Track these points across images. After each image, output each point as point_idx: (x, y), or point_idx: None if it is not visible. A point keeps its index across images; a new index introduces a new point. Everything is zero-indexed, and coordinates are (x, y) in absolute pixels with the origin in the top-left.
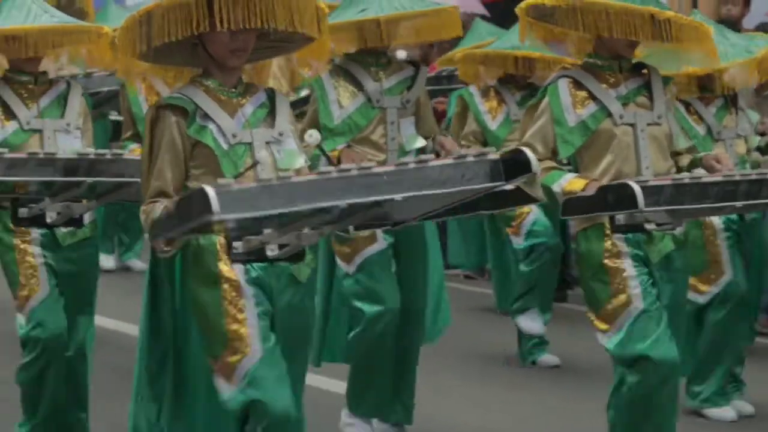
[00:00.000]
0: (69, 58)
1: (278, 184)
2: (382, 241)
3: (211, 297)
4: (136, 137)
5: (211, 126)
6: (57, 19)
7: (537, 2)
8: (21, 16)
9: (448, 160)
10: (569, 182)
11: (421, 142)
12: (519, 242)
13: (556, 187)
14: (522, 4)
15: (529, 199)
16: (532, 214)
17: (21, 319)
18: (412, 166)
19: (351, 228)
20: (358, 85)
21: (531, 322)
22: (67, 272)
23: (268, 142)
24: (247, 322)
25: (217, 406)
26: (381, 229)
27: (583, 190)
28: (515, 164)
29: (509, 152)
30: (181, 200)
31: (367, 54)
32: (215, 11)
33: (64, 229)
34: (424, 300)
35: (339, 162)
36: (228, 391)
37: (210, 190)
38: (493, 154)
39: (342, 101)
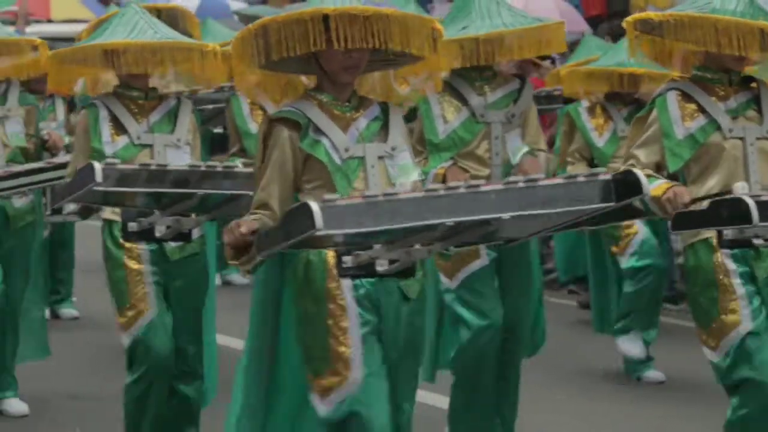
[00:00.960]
0: (175, 74)
1: (384, 201)
2: (485, 257)
3: (317, 315)
4: (242, 152)
5: (324, 140)
6: (160, 35)
7: (644, 17)
8: (126, 31)
9: (559, 180)
10: (654, 188)
11: None
12: (625, 262)
13: None
14: (629, 19)
15: (628, 216)
16: (641, 233)
17: (126, 339)
18: (521, 185)
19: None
20: (463, 100)
21: (631, 345)
22: (175, 287)
23: (380, 157)
24: (351, 344)
25: (309, 420)
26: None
27: (663, 194)
28: (626, 185)
29: (620, 173)
30: (286, 215)
31: (471, 68)
32: (332, 29)
33: (173, 244)
34: (527, 315)
35: (444, 179)
36: (323, 410)
37: (314, 206)
38: (604, 175)
39: (447, 116)
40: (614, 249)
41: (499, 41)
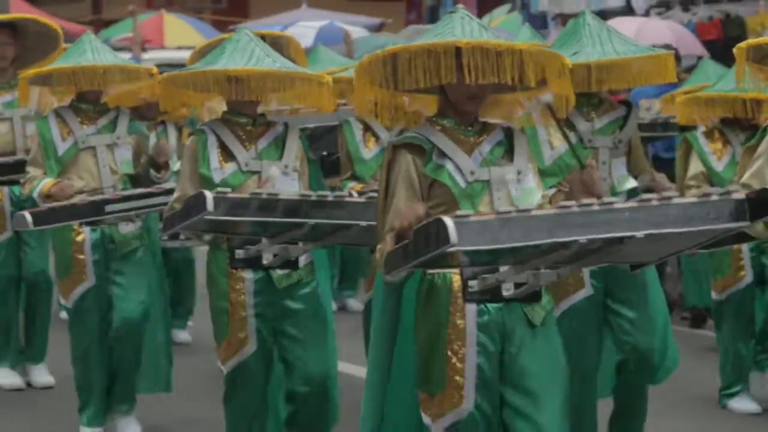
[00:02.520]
0: (279, 100)
1: (517, 217)
2: (589, 286)
3: (436, 339)
4: (354, 178)
5: (448, 164)
6: (279, 63)
7: (758, 43)
8: (244, 59)
9: (692, 198)
10: None
11: (632, 183)
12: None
13: None
14: (742, 45)
15: (738, 240)
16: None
17: (225, 369)
18: (655, 202)
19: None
20: (570, 125)
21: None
22: (283, 316)
23: (505, 180)
24: (466, 373)
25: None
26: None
27: None
28: (760, 204)
29: (754, 192)
30: (418, 230)
31: (579, 94)
32: (464, 64)
33: (279, 272)
34: (650, 341)
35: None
36: (433, 429)
37: (448, 221)
38: (738, 193)
39: (553, 142)
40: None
41: (609, 69)
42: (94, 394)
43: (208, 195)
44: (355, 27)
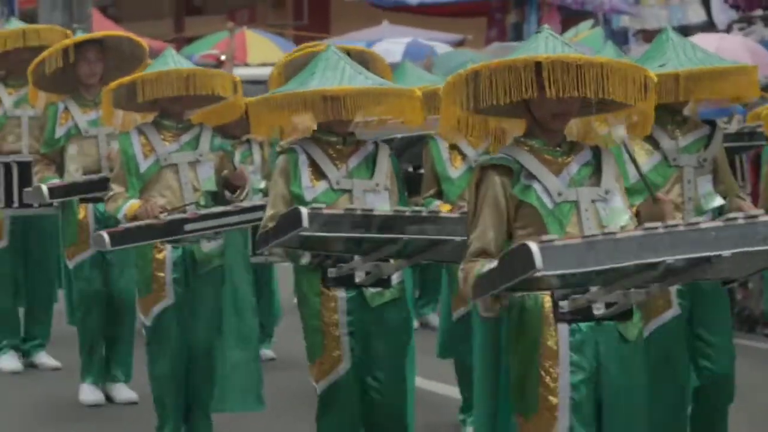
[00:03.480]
0: (367, 113)
1: (603, 240)
2: (676, 307)
3: (529, 360)
4: (439, 195)
5: (536, 185)
6: (371, 80)
7: None
8: (336, 77)
9: None
10: None
11: (718, 201)
12: None
13: None
14: None
15: None
16: None
17: (318, 388)
18: (741, 221)
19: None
20: (654, 143)
21: None
22: (375, 334)
23: (593, 201)
24: (560, 393)
25: None
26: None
27: None
28: None
29: None
30: (504, 256)
31: (663, 110)
32: (544, 78)
33: (372, 290)
34: (730, 363)
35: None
36: None
37: (533, 246)
38: None
39: (638, 159)
40: None
41: (698, 78)
42: (172, 413)
43: (304, 211)
44: (437, 43)
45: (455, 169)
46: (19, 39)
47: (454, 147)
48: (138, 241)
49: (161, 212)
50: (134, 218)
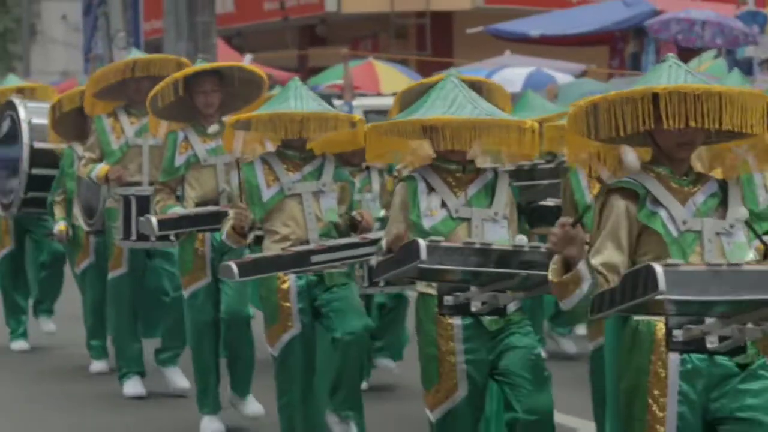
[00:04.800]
0: (483, 148)
1: (728, 270)
2: None
3: (637, 386)
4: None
5: (662, 212)
6: (479, 110)
7: None
8: (444, 107)
9: None
10: None
11: None
12: None
13: None
14: None
15: None
16: None
17: (432, 416)
18: None
19: None
20: None
21: None
22: (498, 359)
23: (717, 233)
24: (667, 422)
25: None
26: None
27: None
28: None
29: None
30: (627, 276)
31: None
32: (661, 109)
33: (488, 318)
34: None
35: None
36: None
37: (658, 268)
38: None
39: None
40: None
41: None
42: None
43: (422, 243)
44: (560, 73)
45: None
46: (129, 70)
47: (593, 175)
48: (266, 272)
49: (284, 240)
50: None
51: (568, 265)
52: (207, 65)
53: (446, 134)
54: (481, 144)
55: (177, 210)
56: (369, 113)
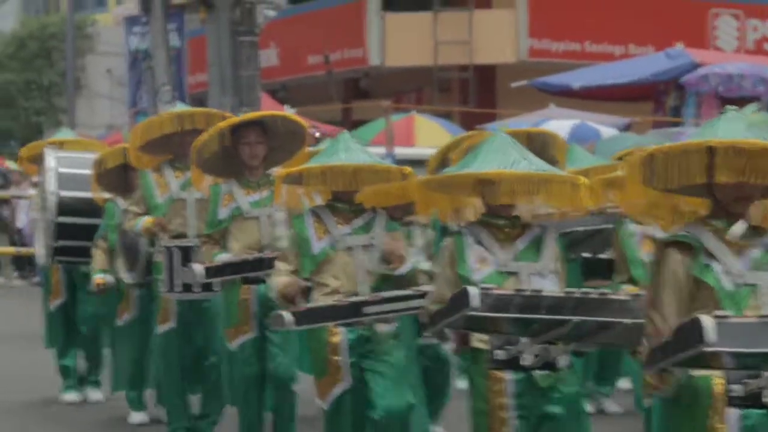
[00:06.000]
0: (542, 203)
1: None
2: None
3: None
4: (630, 281)
5: (716, 266)
6: (535, 166)
7: None
8: (497, 161)
9: None
10: None
11: None
12: None
13: None
14: None
15: None
16: None
17: None
18: None
19: None
20: None
21: None
22: (548, 416)
23: None
24: None
25: None
26: None
27: None
28: None
29: None
30: (677, 330)
31: None
32: (716, 164)
33: (539, 372)
34: None
35: None
36: None
37: (706, 320)
38: None
39: None
40: None
41: None
42: None
43: (473, 291)
44: (604, 126)
45: (644, 252)
46: (174, 123)
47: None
48: (319, 322)
49: (334, 293)
50: (283, 296)
51: None
52: (252, 114)
53: (502, 188)
54: (535, 199)
55: (222, 257)
56: (401, 162)
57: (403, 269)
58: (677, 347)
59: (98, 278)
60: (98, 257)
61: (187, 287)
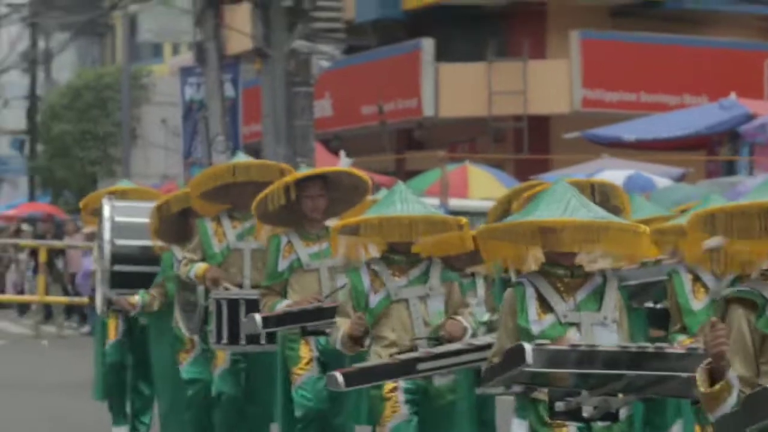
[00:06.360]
0: (603, 252)
1: None
2: None
3: None
4: (683, 330)
5: None
6: (593, 214)
7: None
8: (559, 209)
9: None
10: None
11: None
12: None
13: None
14: None
15: None
16: None
17: None
18: None
19: None
20: None
21: None
22: None
23: None
24: None
25: None
26: None
27: None
28: None
29: None
30: (747, 399)
31: None
32: None
33: (600, 423)
34: None
35: None
36: None
37: None
38: None
39: None
40: None
41: None
42: None
43: (527, 348)
44: (658, 176)
45: (698, 302)
46: (230, 174)
47: (697, 279)
48: (372, 381)
49: (390, 346)
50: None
51: (712, 377)
52: (317, 170)
53: (564, 236)
54: (597, 247)
55: (282, 305)
56: (456, 213)
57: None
58: (748, 417)
59: (133, 299)
60: (152, 300)
61: (233, 340)
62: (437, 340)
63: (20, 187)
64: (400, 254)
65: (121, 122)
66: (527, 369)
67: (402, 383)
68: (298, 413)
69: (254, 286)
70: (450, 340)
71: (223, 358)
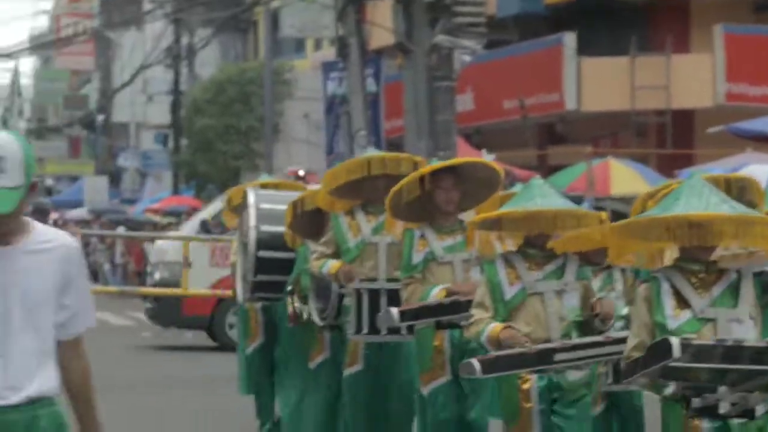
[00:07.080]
0: (743, 247)
1: None
2: None
3: None
4: None
5: None
6: (735, 209)
7: None
8: (702, 204)
9: None
10: None
11: None
12: None
13: None
14: None
15: None
16: None
17: None
18: None
19: None
20: None
21: None
22: None
23: None
24: None
25: None
26: None
27: None
28: None
29: None
30: None
31: None
32: None
33: (737, 420)
34: None
35: None
36: None
37: None
38: None
39: None
40: None
41: None
42: None
43: (675, 342)
44: None
45: None
46: (364, 168)
47: None
48: (508, 369)
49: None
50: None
51: None
52: (451, 161)
53: (712, 230)
54: (739, 242)
55: (437, 290)
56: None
57: (609, 326)
58: None
59: (291, 309)
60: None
61: (372, 330)
62: (588, 322)
63: (164, 180)
64: (535, 248)
65: (263, 117)
66: (674, 363)
67: (535, 383)
68: (432, 420)
69: (389, 280)
70: (604, 320)
71: (355, 358)
